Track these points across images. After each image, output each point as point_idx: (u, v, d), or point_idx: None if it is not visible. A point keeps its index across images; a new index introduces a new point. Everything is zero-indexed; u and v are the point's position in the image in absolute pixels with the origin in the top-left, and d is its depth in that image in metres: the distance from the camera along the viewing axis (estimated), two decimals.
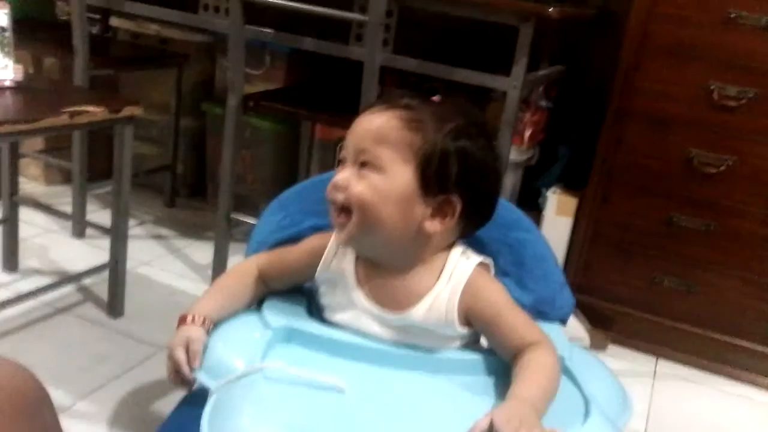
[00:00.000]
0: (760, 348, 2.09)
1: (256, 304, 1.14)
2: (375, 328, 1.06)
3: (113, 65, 2.59)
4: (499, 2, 1.86)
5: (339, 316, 1.09)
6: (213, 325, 1.07)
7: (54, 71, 2.68)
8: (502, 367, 1.03)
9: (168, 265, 2.34)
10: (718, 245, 2.06)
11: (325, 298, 1.12)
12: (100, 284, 2.05)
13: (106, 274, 1.96)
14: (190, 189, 2.99)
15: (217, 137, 2.60)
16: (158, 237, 2.56)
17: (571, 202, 2.24)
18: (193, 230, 2.65)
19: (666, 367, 2.16)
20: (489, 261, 1.10)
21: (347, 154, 1.02)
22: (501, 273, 1.21)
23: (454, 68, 1.94)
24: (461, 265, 1.06)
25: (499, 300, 1.05)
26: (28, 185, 2.79)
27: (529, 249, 1.24)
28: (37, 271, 2.16)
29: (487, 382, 1.02)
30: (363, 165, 0.99)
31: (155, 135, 2.86)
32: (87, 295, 2.06)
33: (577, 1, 2.44)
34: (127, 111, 1.77)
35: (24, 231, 2.20)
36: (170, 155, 2.82)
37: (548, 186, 2.33)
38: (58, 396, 1.58)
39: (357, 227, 1.00)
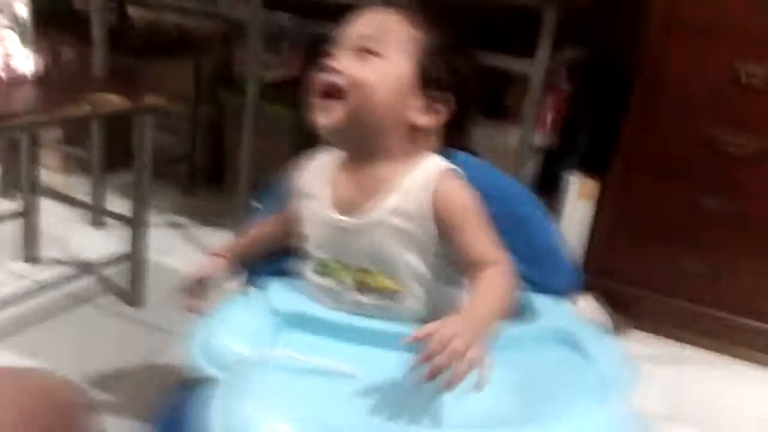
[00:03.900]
0: None
1: (262, 287, 1.12)
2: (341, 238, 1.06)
3: (131, 55, 2.57)
4: None
5: (314, 238, 1.09)
6: (236, 258, 1.17)
7: (72, 61, 2.67)
8: (514, 342, 1.00)
9: (187, 254, 2.34)
10: (742, 229, 2.02)
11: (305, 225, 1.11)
12: (119, 274, 2.05)
13: (125, 263, 1.95)
14: (207, 178, 2.98)
15: (235, 126, 2.59)
16: (176, 226, 2.56)
17: (592, 186, 2.21)
18: (211, 219, 2.64)
19: (689, 351, 2.13)
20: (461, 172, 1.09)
21: (342, 44, 1.03)
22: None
23: (477, 51, 1.90)
24: (435, 159, 1.06)
25: (469, 206, 1.03)
26: (47, 175, 2.79)
27: (532, 224, 1.23)
28: (57, 262, 2.16)
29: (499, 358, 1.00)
30: (362, 51, 1.01)
31: (173, 124, 2.85)
32: (107, 284, 2.06)
33: None
34: (148, 100, 1.77)
35: (43, 221, 2.20)
36: (188, 144, 2.81)
37: (569, 170, 2.30)
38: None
39: (350, 111, 1.00)
